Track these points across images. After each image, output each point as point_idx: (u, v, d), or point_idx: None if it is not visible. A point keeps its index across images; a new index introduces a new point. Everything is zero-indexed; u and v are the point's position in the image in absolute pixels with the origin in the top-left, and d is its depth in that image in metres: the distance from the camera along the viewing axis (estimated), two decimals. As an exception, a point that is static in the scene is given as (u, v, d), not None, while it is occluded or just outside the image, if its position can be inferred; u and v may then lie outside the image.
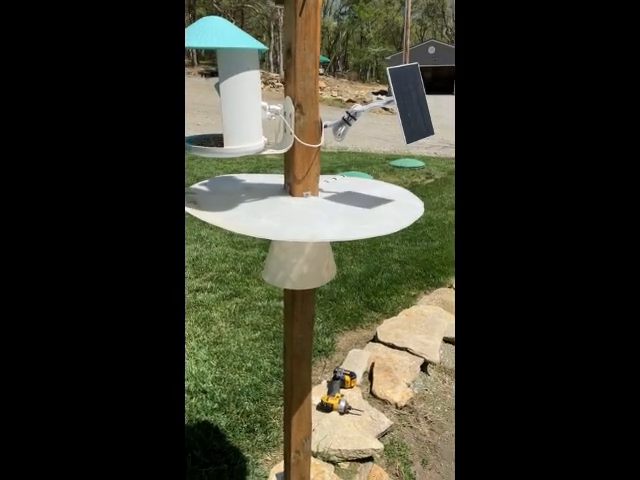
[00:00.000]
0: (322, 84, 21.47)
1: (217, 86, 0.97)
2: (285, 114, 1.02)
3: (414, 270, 3.93)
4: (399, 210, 1.09)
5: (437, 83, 28.05)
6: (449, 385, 2.47)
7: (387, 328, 2.78)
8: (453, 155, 10.63)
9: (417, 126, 1.03)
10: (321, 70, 30.38)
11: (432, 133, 1.08)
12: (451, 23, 41.30)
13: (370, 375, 2.35)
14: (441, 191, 6.49)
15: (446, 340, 2.80)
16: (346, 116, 1.09)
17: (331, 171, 6.98)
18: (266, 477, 1.75)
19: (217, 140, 1.03)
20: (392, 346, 2.61)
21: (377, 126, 14.79)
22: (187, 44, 0.87)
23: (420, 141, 1.06)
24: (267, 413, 2.09)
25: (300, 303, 1.21)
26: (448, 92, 28.73)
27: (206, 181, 1.25)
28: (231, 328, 2.80)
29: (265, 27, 35.74)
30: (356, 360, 2.39)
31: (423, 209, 1.10)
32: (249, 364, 2.43)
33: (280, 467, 1.73)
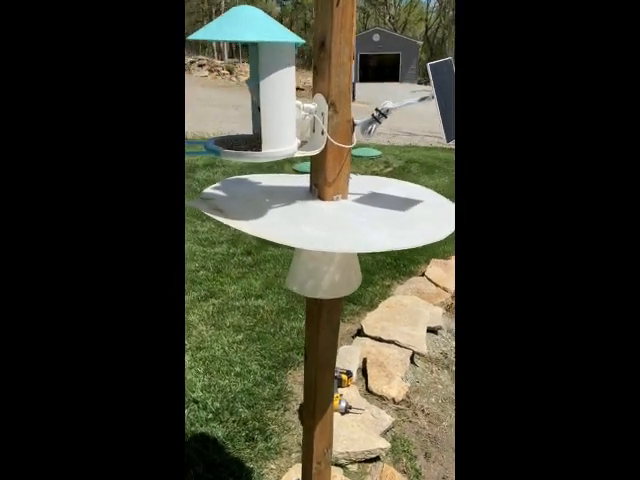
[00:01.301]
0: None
1: (251, 83, 0.88)
2: (318, 113, 0.95)
3: (385, 260, 3.95)
4: (431, 210, 1.05)
5: (383, 70, 28.40)
6: (437, 375, 2.50)
7: (372, 321, 2.77)
8: (407, 143, 10.82)
9: (452, 123, 0.99)
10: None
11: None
12: (393, 11, 41.75)
13: (364, 371, 2.33)
14: (402, 179, 6.56)
15: (429, 330, 2.83)
16: (376, 114, 1.03)
17: (289, 161, 6.86)
18: (274, 487, 1.69)
19: (248, 142, 0.94)
20: (379, 340, 2.60)
21: None
22: (222, 37, 0.77)
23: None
24: (264, 419, 2.02)
25: (327, 313, 1.15)
26: (394, 79, 29.19)
27: (219, 184, 1.15)
28: (212, 331, 2.69)
29: (205, 11, 34.56)
30: (348, 357, 2.36)
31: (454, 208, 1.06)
32: (237, 368, 2.34)
33: (289, 477, 1.67)
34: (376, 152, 8.06)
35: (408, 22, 43.40)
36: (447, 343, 2.84)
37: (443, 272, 3.68)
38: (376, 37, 28.09)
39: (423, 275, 3.68)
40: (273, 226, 0.91)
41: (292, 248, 0.95)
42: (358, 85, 21.46)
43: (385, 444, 1.83)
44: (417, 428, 2.06)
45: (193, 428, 1.93)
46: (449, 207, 1.09)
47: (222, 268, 3.59)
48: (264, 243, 3.99)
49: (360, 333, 2.72)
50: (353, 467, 1.78)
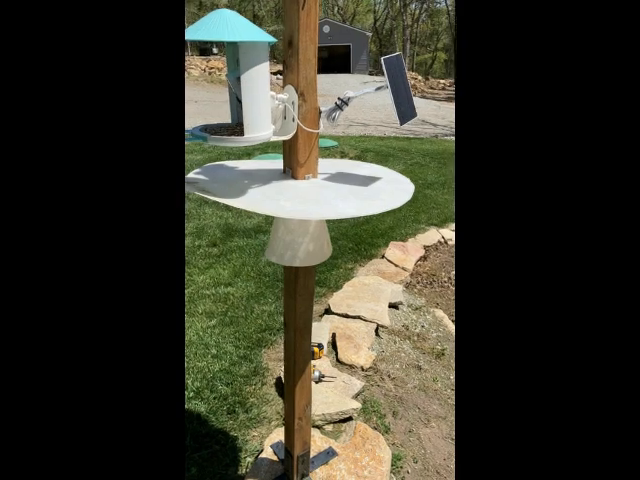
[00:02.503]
0: (220, 64, 20.80)
1: (230, 77, 1.01)
2: (289, 102, 1.09)
3: (346, 245, 4.14)
4: (390, 185, 1.22)
5: (334, 62, 28.55)
6: (400, 345, 2.71)
7: (338, 300, 2.95)
8: (361, 133, 11.07)
9: (406, 109, 1.16)
10: (215, 50, 29.31)
11: (415, 115, 1.22)
12: (342, 2, 41.99)
13: (334, 344, 2.50)
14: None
15: (390, 305, 3.04)
16: (339, 102, 1.18)
17: (248, 154, 6.93)
18: (258, 450, 1.83)
19: (229, 129, 1.07)
20: (346, 316, 2.78)
21: None
22: (207, 37, 0.90)
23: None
24: (243, 394, 2.15)
25: (303, 279, 1.30)
26: (345, 70, 29.39)
27: (199, 170, 1.27)
28: (186, 318, 2.78)
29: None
30: (319, 332, 2.52)
31: (412, 184, 1.24)
32: (213, 351, 2.46)
33: (272, 439, 1.82)
34: (333, 142, 8.24)
35: (357, 13, 43.81)
36: (407, 317, 3.06)
37: (401, 253, 3.91)
38: (326, 28, 28.21)
39: (383, 257, 3.89)
40: (257, 202, 1.04)
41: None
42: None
43: (357, 405, 2.01)
44: (384, 391, 2.25)
45: (176, 406, 2.03)
46: (405, 181, 1.26)
47: (189, 260, 3.65)
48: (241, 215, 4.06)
49: (328, 311, 2.89)
50: (329, 427, 1.94)
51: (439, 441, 2.01)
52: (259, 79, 0.97)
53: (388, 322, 2.78)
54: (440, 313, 3.13)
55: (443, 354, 2.64)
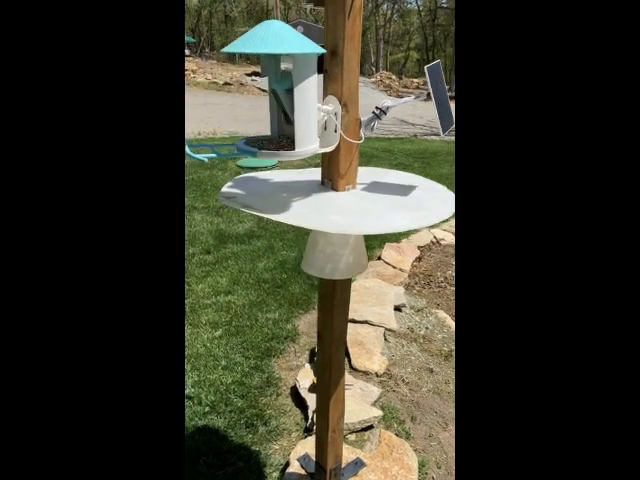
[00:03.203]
0: (194, 66, 20.52)
1: (279, 89, 0.98)
2: (332, 113, 1.06)
3: (341, 248, 4.12)
4: (428, 194, 1.20)
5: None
6: (408, 348, 2.71)
7: (343, 305, 2.93)
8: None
9: (447, 118, 1.15)
10: (187, 51, 28.90)
11: (453, 123, 1.21)
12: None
13: (346, 351, 2.48)
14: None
15: (395, 308, 3.04)
16: (377, 111, 1.16)
17: (234, 160, 6.84)
18: (282, 464, 1.80)
19: (272, 142, 1.04)
20: (353, 321, 2.76)
21: (221, 106, 14.56)
22: (259, 50, 0.86)
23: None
24: (260, 405, 2.11)
25: (340, 292, 1.27)
26: (319, 71, 29.37)
27: (231, 183, 1.23)
28: (190, 330, 2.71)
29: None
30: (329, 339, 2.50)
31: (450, 192, 1.23)
32: (223, 362, 2.40)
33: (297, 452, 1.79)
34: (271, 162, 8.15)
35: (328, 14, 43.78)
36: (411, 319, 3.07)
37: (397, 254, 3.92)
38: (300, 29, 28.06)
39: (379, 259, 3.89)
40: (303, 216, 1.01)
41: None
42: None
43: (378, 412, 2.00)
44: (400, 396, 2.25)
45: (193, 422, 1.98)
46: (441, 189, 1.24)
47: (185, 268, 3.58)
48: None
49: (333, 317, 2.87)
50: (352, 437, 1.92)
51: (459, 444, 2.02)
52: (311, 91, 0.94)
53: (395, 325, 2.78)
54: (442, 314, 3.14)
55: (451, 355, 2.65)
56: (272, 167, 6.46)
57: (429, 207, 1.09)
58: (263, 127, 11.55)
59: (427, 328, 2.99)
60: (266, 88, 1.14)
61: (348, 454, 1.77)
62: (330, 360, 1.37)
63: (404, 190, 1.21)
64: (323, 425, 1.47)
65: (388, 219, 1.00)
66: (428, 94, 1.13)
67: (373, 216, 1.02)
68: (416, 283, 3.65)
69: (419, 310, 3.18)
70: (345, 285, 1.27)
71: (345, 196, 1.12)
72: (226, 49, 0.93)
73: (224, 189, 1.19)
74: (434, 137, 10.44)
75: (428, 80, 1.08)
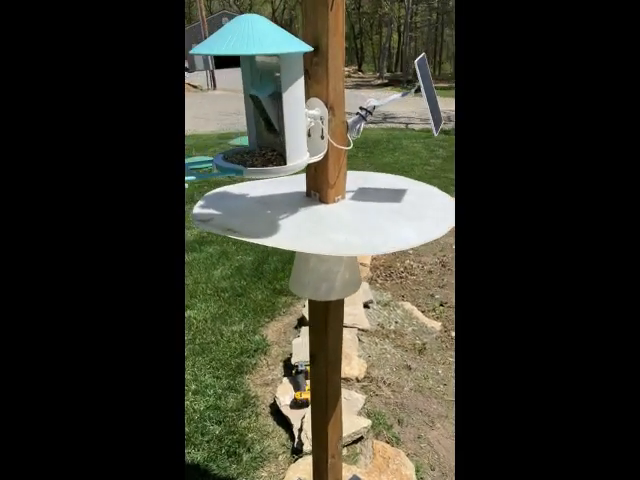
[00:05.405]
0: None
1: (263, 95, 0.84)
2: (319, 118, 0.94)
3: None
4: (424, 199, 1.12)
5: (237, 55, 27.75)
6: (382, 346, 2.66)
7: (311, 309, 2.82)
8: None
9: (437, 115, 1.06)
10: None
11: (442, 119, 1.12)
12: (236, -7, 40.96)
13: (322, 359, 2.38)
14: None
15: (364, 305, 2.98)
16: (363, 112, 1.05)
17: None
18: (274, 493, 1.68)
19: (257, 156, 0.90)
20: (324, 325, 2.67)
21: (191, 105, 14.11)
22: (238, 52, 0.73)
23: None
24: (239, 430, 1.97)
25: (334, 311, 1.16)
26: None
27: (202, 202, 1.08)
28: (151, 354, 2.50)
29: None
30: (304, 349, 2.38)
31: (445, 194, 1.14)
32: (193, 386, 2.22)
33: (290, 477, 1.67)
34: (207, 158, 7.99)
35: (254, 4, 43.00)
36: (380, 314, 3.02)
37: (356, 249, 3.86)
38: (225, 21, 27.38)
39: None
40: (300, 239, 0.89)
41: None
42: (216, 72, 20.85)
43: (366, 422, 1.92)
44: (384, 400, 2.18)
45: (169, 460, 1.80)
46: (438, 194, 1.16)
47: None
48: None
49: (302, 322, 2.76)
50: (343, 451, 1.83)
51: (448, 442, 1.99)
52: (299, 96, 0.81)
53: (368, 325, 2.72)
54: (408, 305, 3.12)
55: (424, 348, 2.63)
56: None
57: (430, 215, 1.00)
58: (196, 124, 11.11)
59: (396, 322, 2.95)
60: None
61: (344, 472, 1.67)
62: (327, 384, 1.26)
63: (396, 196, 1.11)
64: (321, 451, 1.37)
65: (395, 233, 0.90)
66: (416, 89, 1.03)
67: (377, 231, 0.91)
68: (378, 276, 3.61)
69: (386, 304, 3.14)
70: (338, 303, 1.17)
71: (337, 209, 1.01)
72: (196, 50, 0.78)
73: (197, 210, 1.04)
74: (372, 125, 10.49)
75: (418, 75, 0.98)
